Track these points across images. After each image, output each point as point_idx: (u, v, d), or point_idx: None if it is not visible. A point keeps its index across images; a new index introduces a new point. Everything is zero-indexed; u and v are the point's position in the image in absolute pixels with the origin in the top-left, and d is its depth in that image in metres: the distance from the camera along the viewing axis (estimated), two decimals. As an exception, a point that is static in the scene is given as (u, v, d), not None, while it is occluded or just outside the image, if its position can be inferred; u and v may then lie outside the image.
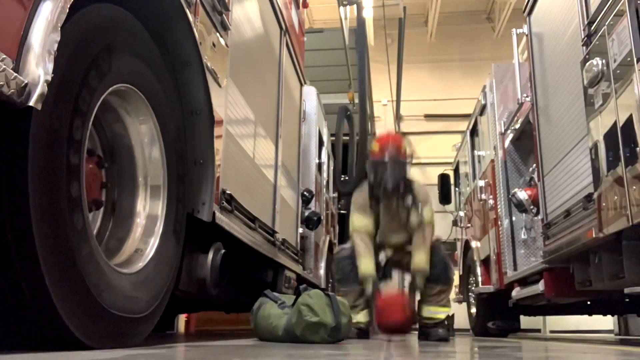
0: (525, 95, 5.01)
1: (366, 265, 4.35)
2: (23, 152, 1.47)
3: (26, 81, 1.40)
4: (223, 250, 2.98)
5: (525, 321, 7.42)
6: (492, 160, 6.46)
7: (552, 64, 4.27)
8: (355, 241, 4.45)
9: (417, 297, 4.37)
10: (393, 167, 4.29)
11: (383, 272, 4.60)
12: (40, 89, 1.42)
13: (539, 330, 10.93)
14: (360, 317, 4.35)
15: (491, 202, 6.44)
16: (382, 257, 4.63)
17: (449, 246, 9.36)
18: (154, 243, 2.25)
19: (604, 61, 3.03)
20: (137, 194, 2.27)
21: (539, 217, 4.68)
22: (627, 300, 5.18)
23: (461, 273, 8.37)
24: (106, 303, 1.80)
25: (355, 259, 4.39)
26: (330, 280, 6.59)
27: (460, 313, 8.32)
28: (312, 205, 6.01)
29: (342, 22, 9.54)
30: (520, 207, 5.11)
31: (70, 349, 1.67)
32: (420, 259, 4.30)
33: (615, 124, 2.88)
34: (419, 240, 4.36)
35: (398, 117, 14.22)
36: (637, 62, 2.68)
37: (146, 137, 2.28)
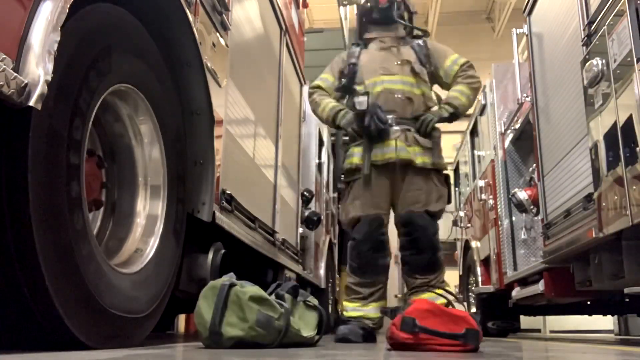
0: (525, 95, 5.01)
1: (328, 101, 3.63)
2: (23, 152, 1.47)
3: (26, 81, 1.40)
4: (223, 250, 2.98)
5: (525, 321, 7.42)
6: (492, 160, 6.47)
7: (552, 64, 4.26)
8: (315, 96, 3.72)
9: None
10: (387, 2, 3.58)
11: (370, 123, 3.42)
12: (40, 89, 1.42)
13: (539, 330, 10.93)
14: (370, 310, 3.51)
15: (491, 202, 6.44)
16: (362, 99, 3.45)
17: (449, 246, 9.39)
18: (154, 243, 2.25)
19: (604, 61, 3.03)
20: (137, 194, 2.28)
21: (539, 217, 4.68)
22: (627, 300, 5.18)
23: (461, 273, 8.37)
24: (106, 303, 1.80)
25: (378, 245, 3.48)
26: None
27: (460, 313, 8.32)
28: (312, 205, 6.01)
29: (342, 22, 9.53)
30: (520, 207, 5.11)
31: (70, 349, 1.67)
32: (459, 91, 3.51)
33: (615, 124, 2.88)
34: (462, 80, 3.55)
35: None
36: (637, 62, 2.68)
37: (146, 137, 2.28)
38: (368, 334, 3.45)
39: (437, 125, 3.60)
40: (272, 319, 2.17)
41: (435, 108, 3.62)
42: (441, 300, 2.95)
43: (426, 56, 3.60)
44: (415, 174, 3.48)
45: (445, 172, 3.71)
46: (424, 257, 3.44)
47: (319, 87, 3.75)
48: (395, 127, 3.46)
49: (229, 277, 2.23)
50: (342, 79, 3.69)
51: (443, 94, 3.86)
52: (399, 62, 3.59)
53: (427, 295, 3.22)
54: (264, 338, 2.15)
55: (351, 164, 3.62)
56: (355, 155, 3.60)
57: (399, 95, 3.51)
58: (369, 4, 3.78)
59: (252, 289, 2.20)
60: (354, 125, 3.51)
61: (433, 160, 3.55)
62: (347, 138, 3.85)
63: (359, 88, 3.59)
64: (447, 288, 3.28)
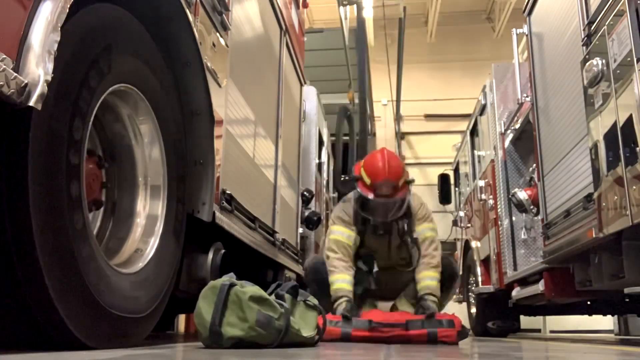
0: (525, 95, 5.01)
1: (342, 281, 3.71)
2: (23, 152, 1.47)
3: (26, 81, 1.40)
4: (223, 250, 2.98)
5: (525, 321, 7.42)
6: (492, 160, 6.46)
7: (552, 64, 4.26)
8: (330, 254, 3.82)
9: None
10: (388, 209, 3.79)
11: (364, 294, 3.95)
12: (40, 89, 1.42)
13: (539, 330, 10.93)
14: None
15: (491, 202, 6.44)
16: (366, 265, 4.01)
17: (449, 246, 9.39)
18: (154, 243, 2.25)
19: (604, 61, 3.03)
20: (137, 194, 2.28)
21: (539, 217, 4.68)
22: (627, 300, 5.19)
23: (461, 273, 8.37)
24: (106, 303, 1.80)
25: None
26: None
27: (460, 313, 8.33)
28: (312, 205, 6.01)
29: (342, 22, 9.54)
30: (520, 207, 5.11)
31: (70, 349, 1.67)
32: (430, 278, 3.82)
33: (615, 124, 2.88)
34: (424, 260, 3.86)
35: (398, 117, 14.23)
36: (637, 62, 2.68)
37: (146, 137, 2.28)
38: None
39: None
40: (272, 319, 2.17)
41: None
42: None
43: (408, 225, 3.95)
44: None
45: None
46: None
47: (340, 243, 3.91)
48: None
49: (229, 277, 2.23)
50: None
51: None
52: (389, 249, 4.02)
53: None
54: (264, 338, 2.15)
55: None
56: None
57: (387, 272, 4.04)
58: (372, 216, 3.90)
59: (252, 289, 2.20)
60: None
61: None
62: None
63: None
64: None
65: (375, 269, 4.00)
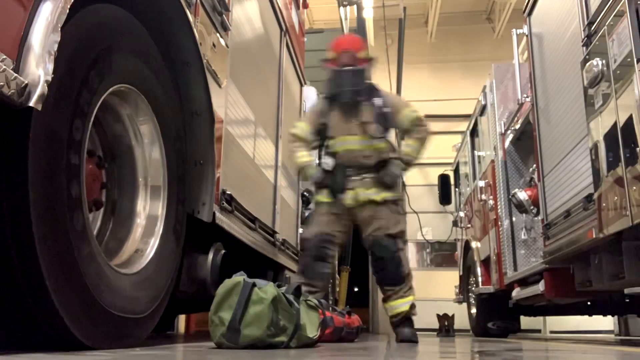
0: (525, 95, 5.01)
1: (304, 156, 4.13)
2: (23, 153, 1.48)
3: (26, 82, 1.40)
4: (223, 251, 2.98)
5: (526, 321, 7.41)
6: (492, 161, 6.46)
7: (552, 64, 4.26)
8: (291, 145, 4.22)
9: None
10: (352, 76, 4.06)
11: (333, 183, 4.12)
12: (40, 89, 1.43)
13: (539, 331, 10.92)
14: None
15: (491, 202, 6.44)
16: (329, 160, 4.23)
17: (449, 246, 9.38)
18: (154, 243, 2.25)
19: (604, 61, 3.03)
20: (138, 194, 2.28)
21: (539, 217, 4.68)
22: (627, 300, 5.17)
23: (461, 273, 8.37)
24: (106, 303, 1.80)
25: (320, 256, 4.00)
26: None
27: (460, 313, 8.33)
28: (312, 205, 6.00)
29: (342, 22, 9.54)
30: (521, 207, 5.11)
31: (70, 349, 1.67)
32: (410, 146, 4.15)
33: (615, 124, 2.88)
34: (410, 135, 4.17)
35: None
36: (637, 63, 2.68)
37: (146, 138, 2.28)
38: None
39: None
40: (287, 321, 2.23)
41: (391, 155, 4.19)
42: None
43: (381, 115, 4.13)
44: (375, 206, 4.06)
45: (400, 200, 4.26)
46: (388, 272, 3.96)
47: (296, 136, 4.24)
48: (355, 177, 4.11)
49: (241, 275, 2.25)
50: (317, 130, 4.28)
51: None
52: (358, 124, 4.16)
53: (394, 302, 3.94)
54: (278, 339, 2.19)
55: (317, 200, 4.26)
56: (321, 195, 4.20)
57: (358, 153, 4.14)
58: (336, 88, 4.15)
59: (272, 290, 2.23)
60: (320, 180, 4.16)
61: (391, 194, 4.13)
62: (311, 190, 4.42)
63: (330, 143, 4.21)
64: (410, 297, 3.95)
65: (340, 161, 4.16)
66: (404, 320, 3.92)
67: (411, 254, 11.75)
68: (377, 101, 4.14)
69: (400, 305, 3.92)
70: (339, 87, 4.08)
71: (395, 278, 3.93)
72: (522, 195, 5.07)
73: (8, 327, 1.64)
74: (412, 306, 3.94)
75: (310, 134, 4.20)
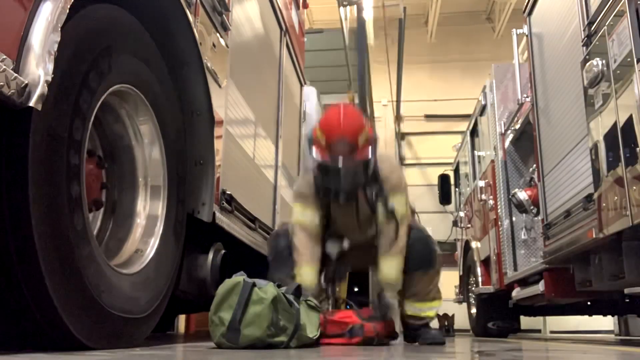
0: (525, 95, 5.01)
1: (306, 274, 3.24)
2: (23, 153, 1.48)
3: (26, 82, 1.40)
4: (223, 251, 2.98)
5: (526, 321, 7.41)
6: (492, 161, 6.47)
7: (552, 64, 4.27)
8: (294, 239, 3.31)
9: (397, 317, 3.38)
10: (348, 174, 3.16)
11: (333, 275, 3.62)
12: (40, 89, 1.43)
13: (539, 331, 10.93)
14: None
15: (491, 202, 6.44)
16: (334, 249, 3.49)
17: (449, 247, 9.39)
18: (154, 243, 2.25)
19: (604, 61, 3.03)
20: (137, 194, 2.28)
21: (539, 217, 4.68)
22: (627, 300, 5.18)
23: (461, 273, 8.37)
24: (106, 303, 1.80)
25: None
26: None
27: (460, 313, 8.33)
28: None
29: (342, 22, 9.54)
30: (521, 207, 5.11)
31: (70, 350, 1.67)
32: (389, 267, 3.25)
33: (615, 124, 2.88)
34: (385, 242, 3.27)
35: (398, 118, 14.23)
36: (637, 63, 2.68)
37: (146, 138, 2.28)
38: None
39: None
40: (287, 320, 2.23)
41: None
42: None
43: (376, 195, 3.34)
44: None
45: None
46: (415, 251, 3.39)
47: (303, 225, 3.40)
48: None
49: (242, 276, 2.24)
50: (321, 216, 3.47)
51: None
52: (356, 221, 3.46)
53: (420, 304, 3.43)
54: (278, 339, 2.19)
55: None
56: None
57: (360, 243, 3.51)
58: (329, 185, 3.26)
59: (272, 290, 2.22)
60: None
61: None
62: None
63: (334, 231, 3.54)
64: (438, 301, 3.47)
65: (346, 246, 3.50)
66: (424, 325, 3.45)
67: (411, 254, 11.74)
68: (375, 188, 3.34)
69: (427, 309, 3.41)
70: (333, 185, 3.21)
71: (424, 259, 3.32)
72: (522, 195, 5.07)
73: (8, 327, 1.64)
74: (448, 316, 3.36)
75: (317, 226, 3.37)
